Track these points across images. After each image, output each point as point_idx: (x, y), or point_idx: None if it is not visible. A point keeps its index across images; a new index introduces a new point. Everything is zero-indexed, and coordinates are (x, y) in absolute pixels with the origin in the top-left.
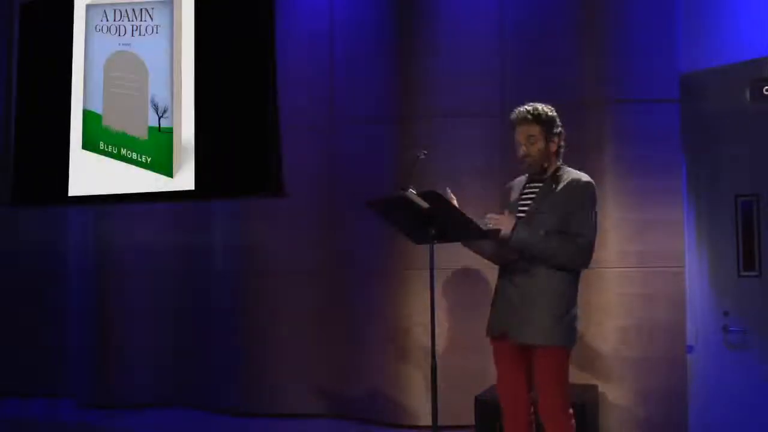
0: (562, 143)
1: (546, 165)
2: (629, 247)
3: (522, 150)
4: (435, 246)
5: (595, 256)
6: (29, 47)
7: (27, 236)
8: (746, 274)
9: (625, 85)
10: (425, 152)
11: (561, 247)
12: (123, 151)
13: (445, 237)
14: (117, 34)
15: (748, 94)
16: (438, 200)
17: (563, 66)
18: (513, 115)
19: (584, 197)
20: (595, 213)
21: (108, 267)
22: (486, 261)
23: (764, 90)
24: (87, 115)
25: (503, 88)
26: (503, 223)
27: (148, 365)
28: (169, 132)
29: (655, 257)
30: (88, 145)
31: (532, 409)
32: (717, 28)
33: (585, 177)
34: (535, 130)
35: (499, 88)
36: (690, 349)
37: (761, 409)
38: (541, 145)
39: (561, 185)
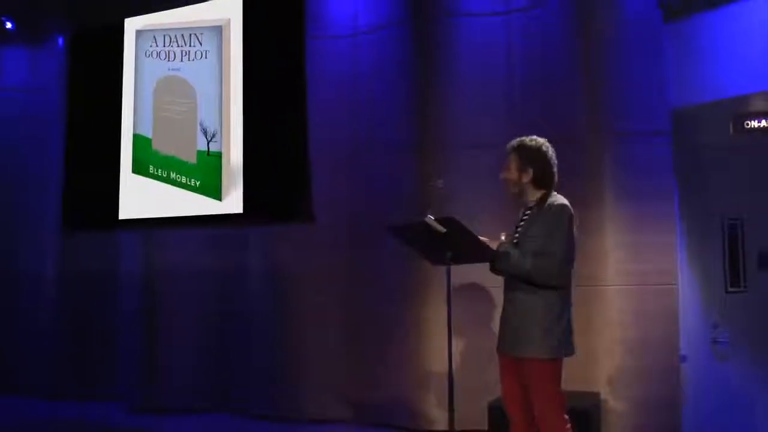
0: (543, 173)
1: (517, 191)
2: (627, 267)
3: (501, 175)
4: (451, 266)
5: (595, 274)
6: (80, 73)
7: (84, 257)
8: (733, 290)
9: (622, 119)
10: (442, 181)
11: (534, 267)
12: (172, 175)
13: (460, 259)
14: (166, 59)
15: (731, 128)
16: (454, 225)
17: (566, 102)
18: None
19: (557, 218)
20: (571, 233)
21: (155, 283)
22: (499, 279)
23: (745, 124)
24: (137, 139)
25: (512, 123)
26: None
27: (192, 373)
28: (218, 156)
29: (651, 275)
30: (138, 168)
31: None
32: (704, 68)
33: (560, 200)
34: (512, 159)
35: (507, 122)
36: (683, 359)
37: (748, 414)
38: (513, 173)
39: (542, 210)
